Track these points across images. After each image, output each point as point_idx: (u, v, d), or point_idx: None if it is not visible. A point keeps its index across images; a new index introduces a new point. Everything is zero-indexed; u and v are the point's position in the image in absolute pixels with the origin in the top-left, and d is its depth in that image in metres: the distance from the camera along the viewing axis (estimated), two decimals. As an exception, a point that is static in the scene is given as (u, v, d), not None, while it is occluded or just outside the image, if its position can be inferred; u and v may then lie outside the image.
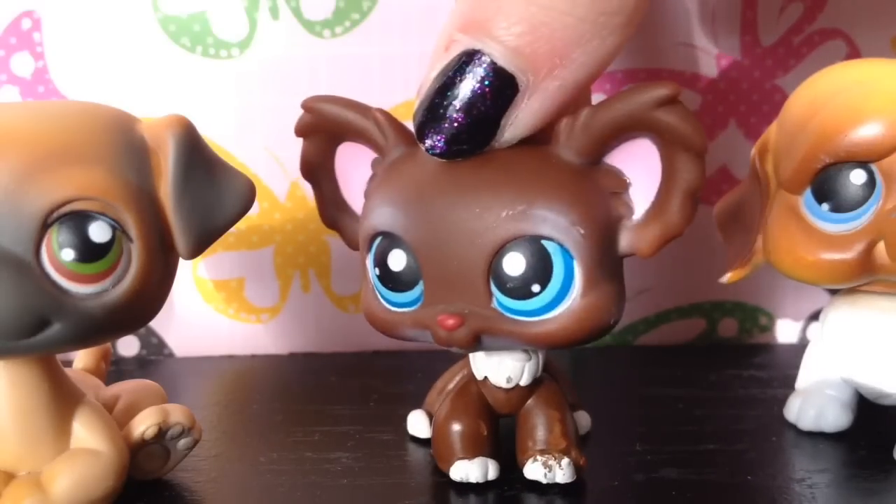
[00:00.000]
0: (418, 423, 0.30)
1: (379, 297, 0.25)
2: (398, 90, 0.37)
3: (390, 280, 0.24)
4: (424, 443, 0.29)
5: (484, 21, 0.22)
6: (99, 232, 0.22)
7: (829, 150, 0.26)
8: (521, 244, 0.23)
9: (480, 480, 0.26)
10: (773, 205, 0.29)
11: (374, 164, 0.26)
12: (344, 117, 0.25)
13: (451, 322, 0.23)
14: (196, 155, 0.24)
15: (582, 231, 0.23)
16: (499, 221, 0.23)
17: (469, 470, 0.26)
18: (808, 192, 0.27)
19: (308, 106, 0.26)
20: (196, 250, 0.24)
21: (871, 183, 0.26)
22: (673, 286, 0.40)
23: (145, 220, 0.23)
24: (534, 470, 0.26)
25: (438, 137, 0.23)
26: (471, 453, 0.26)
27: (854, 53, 0.38)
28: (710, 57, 0.38)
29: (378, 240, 0.24)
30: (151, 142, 0.24)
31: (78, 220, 0.22)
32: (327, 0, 0.36)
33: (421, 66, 0.36)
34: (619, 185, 0.24)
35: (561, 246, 0.23)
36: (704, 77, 0.38)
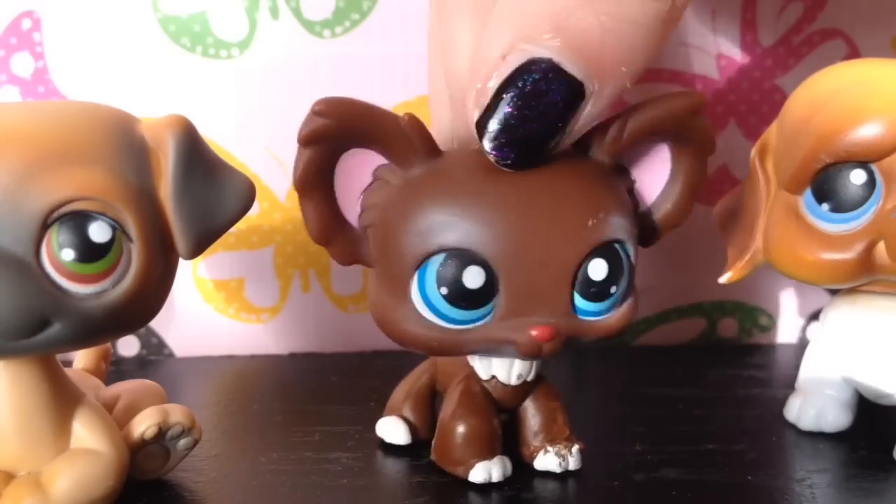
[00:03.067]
0: (396, 430, 0.29)
1: (433, 317, 0.24)
2: (398, 90, 0.37)
3: (463, 298, 0.23)
4: (420, 445, 0.29)
5: (548, 28, 0.22)
6: (99, 232, 0.22)
7: (829, 150, 0.26)
8: (602, 250, 0.24)
9: (501, 479, 0.26)
10: (773, 205, 0.29)
11: (383, 171, 0.24)
12: (367, 123, 0.23)
13: (545, 334, 0.23)
14: (196, 155, 0.24)
15: (634, 231, 0.25)
16: (585, 230, 0.23)
17: (492, 469, 0.26)
18: (808, 192, 0.27)
19: (323, 110, 0.23)
20: (196, 250, 0.24)
21: (871, 183, 0.26)
22: (673, 286, 0.40)
23: (145, 220, 0.23)
24: (548, 461, 0.27)
25: (510, 147, 0.23)
26: (489, 453, 0.26)
27: (854, 53, 0.38)
28: (710, 57, 0.38)
29: (439, 257, 0.23)
30: (151, 142, 0.24)
31: (78, 220, 0.22)
32: (327, 0, 0.36)
33: (421, 66, 0.36)
34: (630, 182, 0.26)
35: (625, 247, 0.24)
36: (704, 77, 0.38)
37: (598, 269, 0.24)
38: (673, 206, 0.26)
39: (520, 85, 0.22)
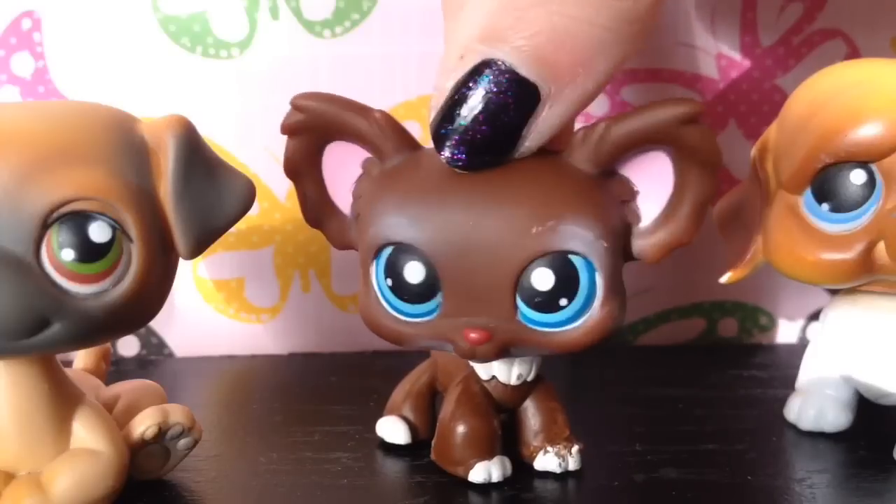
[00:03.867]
0: (396, 430, 0.29)
1: (387, 306, 0.24)
2: (398, 90, 0.37)
3: (405, 292, 0.24)
4: (420, 445, 0.29)
5: (503, 30, 0.22)
6: (99, 232, 0.22)
7: (829, 150, 0.26)
8: (549, 259, 0.23)
9: (501, 479, 0.26)
10: (773, 205, 0.29)
11: (368, 163, 0.25)
12: (340, 118, 0.24)
13: (477, 337, 0.23)
14: (196, 155, 0.24)
15: (605, 244, 0.23)
16: (529, 237, 0.23)
17: (491, 469, 0.26)
18: (808, 192, 0.27)
19: (300, 105, 0.25)
20: (196, 250, 0.24)
21: (871, 183, 0.26)
22: (673, 286, 0.40)
23: (145, 220, 0.23)
24: (547, 461, 0.27)
25: (460, 148, 0.22)
26: (489, 453, 0.26)
27: (854, 53, 0.38)
28: (710, 57, 0.38)
29: (388, 250, 0.24)
30: (151, 142, 0.24)
31: (78, 220, 0.22)
32: (327, 0, 0.36)
33: (421, 66, 0.37)
34: (629, 193, 0.24)
35: (586, 260, 0.23)
36: (704, 77, 0.38)
37: (542, 279, 0.23)
38: (678, 222, 0.24)
39: (472, 86, 0.22)
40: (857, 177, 0.26)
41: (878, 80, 0.27)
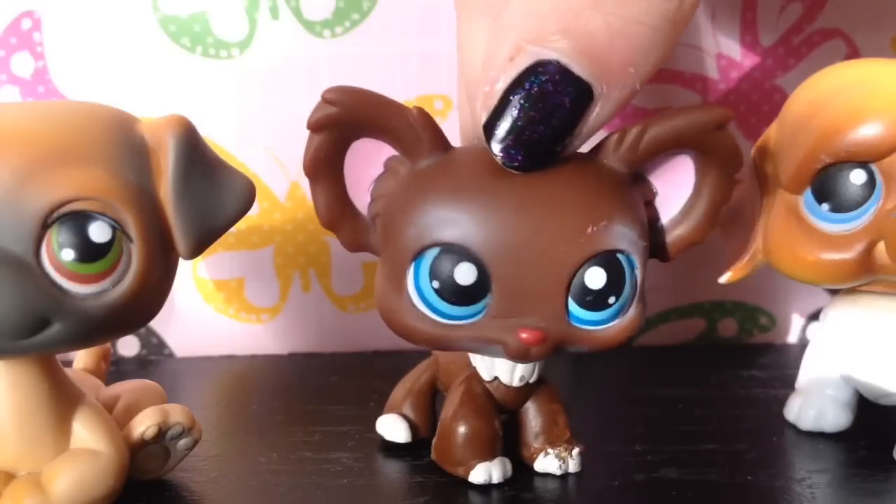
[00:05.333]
0: (396, 428, 0.29)
1: (426, 310, 0.24)
2: (398, 90, 0.37)
3: (454, 294, 0.23)
4: (420, 444, 0.29)
5: (556, 31, 0.22)
6: (99, 232, 0.22)
7: (829, 150, 0.26)
8: (601, 259, 0.23)
9: (501, 480, 0.26)
10: (773, 205, 0.29)
11: (394, 162, 0.24)
12: (376, 114, 0.23)
13: (532, 337, 0.23)
14: (196, 155, 0.24)
15: (644, 243, 0.24)
16: (584, 237, 0.23)
17: (492, 470, 0.26)
18: (808, 192, 0.27)
19: (332, 98, 0.23)
20: (196, 250, 0.24)
21: (871, 183, 0.26)
22: (673, 286, 0.40)
23: (145, 220, 0.23)
24: (548, 463, 0.27)
25: (517, 148, 0.22)
26: (490, 454, 0.26)
27: (854, 53, 0.38)
28: (710, 57, 0.38)
29: (434, 251, 0.23)
30: (151, 142, 0.24)
31: (78, 220, 0.22)
32: (327, 0, 0.36)
33: (421, 66, 0.37)
34: (651, 194, 0.25)
35: (629, 258, 0.24)
36: (704, 77, 0.38)
37: (595, 278, 0.23)
38: (694, 222, 0.25)
39: (527, 87, 0.22)
40: (857, 177, 0.26)
41: (878, 80, 0.27)
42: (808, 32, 0.38)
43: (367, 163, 0.25)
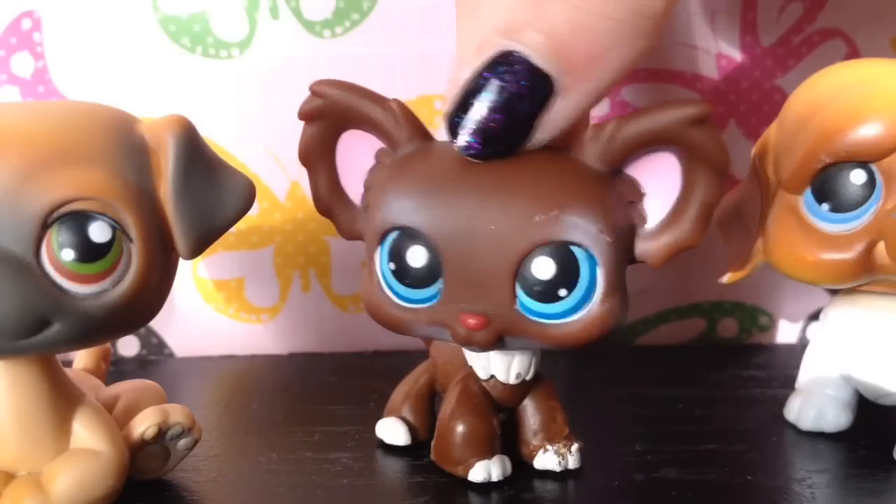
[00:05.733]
0: (395, 431, 0.29)
1: (389, 292, 0.25)
2: (398, 90, 0.37)
3: (407, 276, 0.24)
4: (420, 446, 0.29)
5: (520, 23, 0.22)
6: (99, 232, 0.22)
7: (829, 150, 0.26)
8: (551, 249, 0.23)
9: (501, 478, 0.26)
10: (773, 205, 0.29)
11: (381, 154, 0.25)
12: (357, 105, 0.25)
13: (474, 322, 0.23)
14: (196, 155, 0.24)
15: (608, 239, 0.23)
16: (531, 225, 0.23)
17: (491, 469, 0.26)
18: (808, 192, 0.27)
19: (318, 90, 0.25)
20: (196, 250, 0.24)
21: (871, 183, 0.26)
22: (673, 286, 0.40)
23: (145, 220, 0.23)
24: (547, 460, 0.27)
25: (474, 137, 0.23)
26: (488, 452, 0.26)
27: (854, 53, 0.38)
28: (710, 57, 0.38)
29: (394, 234, 0.24)
30: (151, 142, 0.24)
31: (78, 220, 0.22)
32: (327, 0, 0.36)
33: (421, 66, 0.37)
34: (636, 194, 0.24)
35: (587, 252, 0.23)
36: (704, 77, 0.38)
37: (542, 268, 0.23)
38: (684, 225, 0.24)
39: (487, 77, 0.22)
40: (857, 177, 0.26)
41: (878, 80, 0.27)
42: (808, 32, 0.38)
43: (358, 153, 0.26)
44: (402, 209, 0.24)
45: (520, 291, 0.23)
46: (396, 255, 0.24)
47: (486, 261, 0.23)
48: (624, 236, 0.24)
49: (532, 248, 0.23)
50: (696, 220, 0.24)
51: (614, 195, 0.24)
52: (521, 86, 0.22)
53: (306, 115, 0.25)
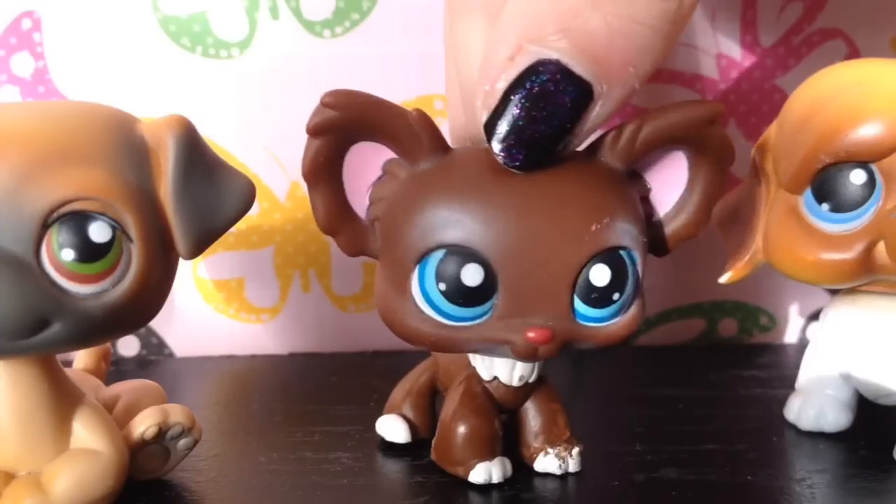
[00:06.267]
0: (395, 428, 0.29)
1: (432, 312, 0.24)
2: (398, 90, 0.37)
3: (461, 295, 0.23)
4: (420, 444, 0.29)
5: (557, 31, 0.22)
6: (99, 232, 0.22)
7: (829, 150, 0.26)
8: (605, 256, 0.23)
9: (501, 480, 0.26)
10: (773, 205, 0.29)
11: (392, 165, 0.24)
12: (375, 117, 0.23)
13: (539, 336, 0.23)
14: (196, 155, 0.24)
15: (644, 239, 0.24)
16: (588, 235, 0.23)
17: (492, 470, 0.26)
18: (808, 192, 0.27)
19: (332, 102, 0.23)
20: (196, 250, 0.24)
21: (871, 183, 0.26)
22: (673, 286, 0.40)
23: (145, 220, 0.23)
24: (547, 463, 0.27)
25: (517, 147, 0.23)
26: (490, 454, 0.26)
27: (854, 53, 0.38)
28: (710, 57, 0.38)
29: (439, 253, 0.23)
30: (151, 142, 0.24)
31: (78, 220, 0.22)
32: (327, 0, 0.36)
33: (421, 67, 0.37)
34: (646, 190, 0.25)
35: (630, 254, 0.24)
36: (704, 77, 0.38)
37: (600, 275, 0.23)
38: (688, 216, 0.25)
39: (527, 86, 0.22)
40: (857, 177, 0.26)
41: (878, 80, 0.27)
42: (808, 32, 0.38)
43: (366, 166, 0.25)
44: (447, 226, 0.23)
45: (576, 300, 0.23)
46: (447, 276, 0.23)
47: (544, 273, 0.23)
48: (647, 232, 0.25)
49: (590, 258, 0.23)
50: (700, 212, 0.25)
51: (635, 193, 0.25)
52: (563, 95, 0.22)
53: (317, 128, 0.23)
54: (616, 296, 0.24)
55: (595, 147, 0.24)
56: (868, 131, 0.26)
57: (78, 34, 0.36)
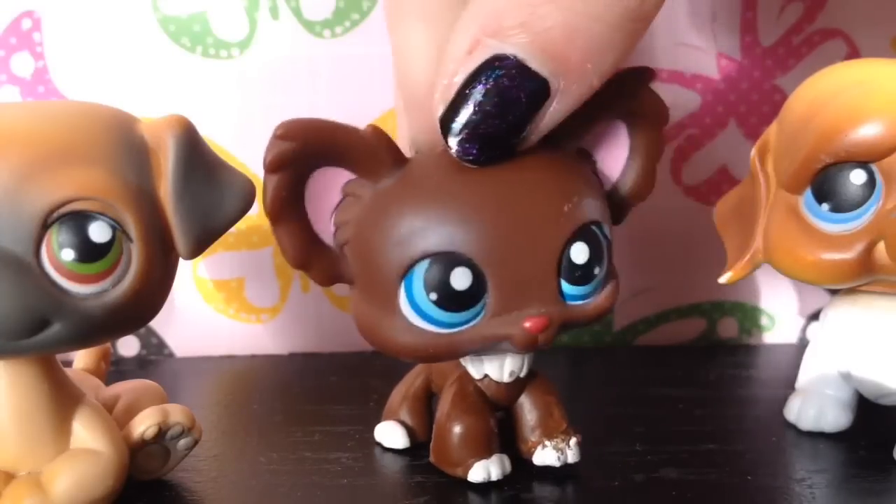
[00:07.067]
0: (394, 435, 0.29)
1: (425, 324, 0.23)
2: (398, 90, 0.37)
3: (453, 301, 0.23)
4: (419, 448, 0.29)
5: (514, 25, 0.22)
6: (99, 232, 0.22)
7: (829, 150, 0.26)
8: (581, 233, 0.24)
9: (500, 477, 0.26)
10: (773, 205, 0.29)
11: (353, 187, 0.24)
12: (332, 142, 0.23)
13: (538, 324, 0.23)
14: (196, 155, 0.24)
15: (607, 211, 0.25)
16: (563, 216, 0.23)
17: (490, 468, 0.26)
18: (808, 192, 0.27)
19: (288, 134, 0.22)
20: (196, 250, 0.24)
21: (871, 183, 0.26)
22: (673, 286, 0.40)
23: (145, 220, 0.23)
24: (546, 455, 0.27)
25: (472, 142, 0.23)
26: (486, 452, 0.26)
27: (854, 53, 0.38)
28: (710, 57, 0.38)
29: (424, 263, 0.23)
30: (151, 142, 0.24)
31: (78, 220, 0.22)
32: (327, 0, 0.36)
33: (421, 66, 0.37)
34: (592, 163, 0.26)
35: (601, 227, 0.24)
36: (704, 77, 0.38)
37: (580, 253, 0.24)
38: (635, 180, 0.26)
39: (483, 81, 0.22)
40: (857, 177, 0.26)
41: (878, 80, 0.27)
42: (808, 32, 0.38)
43: (326, 192, 0.24)
44: (427, 235, 0.23)
45: (562, 282, 0.24)
46: (436, 284, 0.23)
47: (530, 262, 0.23)
48: (607, 204, 0.25)
49: (569, 237, 0.24)
50: (649, 176, 0.26)
51: (587, 169, 0.26)
52: (516, 89, 0.22)
53: (276, 162, 0.22)
54: (597, 270, 0.24)
55: (550, 134, 0.24)
56: (868, 131, 0.26)
57: (78, 34, 0.36)
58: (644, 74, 0.25)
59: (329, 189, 0.24)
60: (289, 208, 0.23)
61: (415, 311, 0.23)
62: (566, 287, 0.24)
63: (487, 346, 0.24)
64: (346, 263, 0.24)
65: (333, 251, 0.24)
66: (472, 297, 0.23)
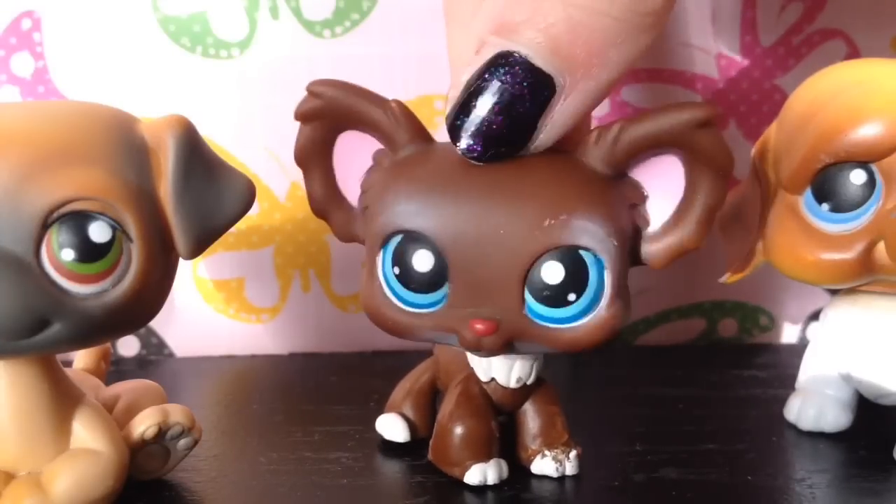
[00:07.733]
0: (395, 427, 0.29)
1: (392, 296, 0.24)
2: (398, 90, 0.37)
3: (412, 281, 0.24)
4: (419, 444, 0.29)
5: (518, 23, 0.22)
6: (99, 232, 0.22)
7: (829, 150, 0.26)
8: (560, 253, 0.23)
9: (497, 482, 0.26)
10: (773, 205, 0.29)
11: (379, 155, 0.25)
12: (356, 106, 0.24)
13: (483, 328, 0.23)
14: (196, 155, 0.24)
15: (615, 243, 0.23)
16: (540, 230, 0.23)
17: (487, 472, 0.26)
18: (808, 192, 0.27)
19: (316, 91, 0.25)
20: (196, 250, 0.24)
21: (871, 183, 0.26)
22: (673, 286, 0.40)
23: (145, 220, 0.23)
24: (544, 465, 0.27)
25: (476, 140, 0.23)
26: (485, 455, 0.26)
27: (854, 53, 0.38)
28: (710, 57, 0.38)
29: (398, 238, 0.24)
30: (151, 142, 0.24)
31: (78, 220, 0.22)
32: (327, 0, 0.36)
33: (421, 67, 0.37)
34: (639, 197, 0.24)
35: (596, 256, 0.23)
36: (704, 77, 0.38)
37: (552, 272, 0.23)
38: (687, 227, 0.24)
39: (488, 78, 0.22)
40: (857, 177, 0.26)
41: (878, 80, 0.27)
42: (808, 32, 0.38)
43: (359, 155, 0.26)
44: (406, 212, 0.24)
45: (528, 296, 0.23)
46: (401, 260, 0.24)
47: (495, 265, 0.23)
48: (629, 239, 0.24)
49: (541, 253, 0.23)
50: (700, 223, 0.24)
51: (619, 198, 0.24)
52: (521, 86, 0.22)
53: (303, 115, 0.25)
54: (572, 297, 0.23)
55: (580, 147, 0.24)
56: (868, 131, 0.26)
57: (78, 34, 0.36)
58: (701, 111, 0.22)
59: (358, 152, 0.26)
60: (315, 159, 0.26)
61: (384, 279, 0.24)
62: (533, 303, 0.23)
63: (439, 335, 0.24)
64: (362, 226, 0.26)
65: (355, 211, 0.26)
66: (431, 283, 0.24)
